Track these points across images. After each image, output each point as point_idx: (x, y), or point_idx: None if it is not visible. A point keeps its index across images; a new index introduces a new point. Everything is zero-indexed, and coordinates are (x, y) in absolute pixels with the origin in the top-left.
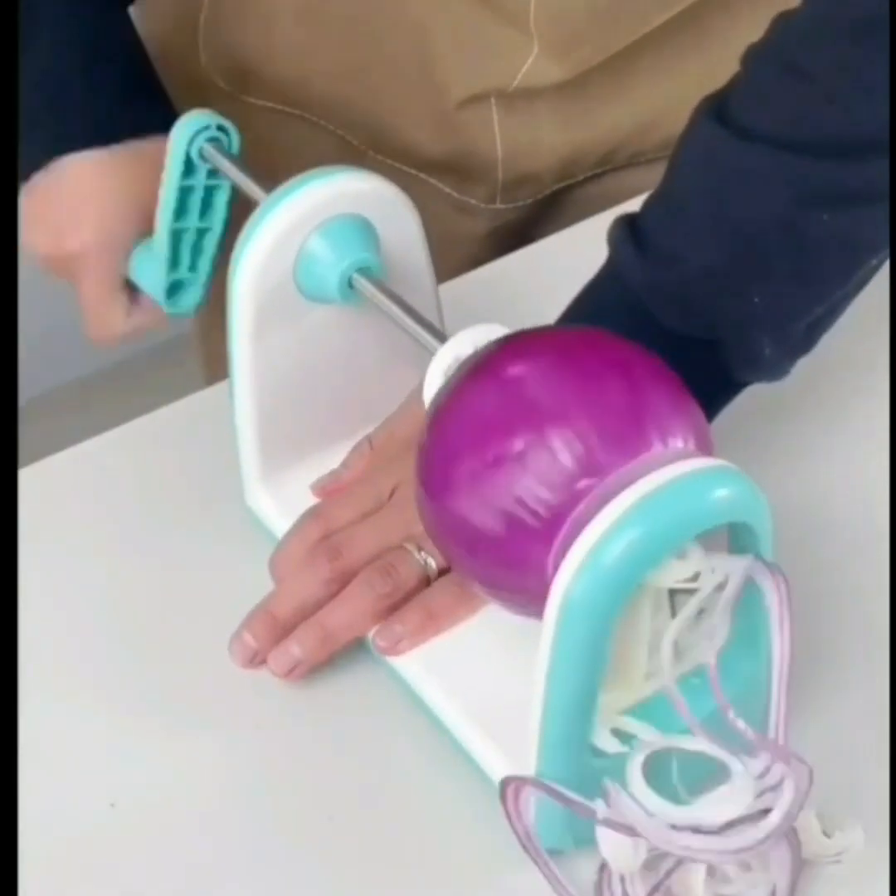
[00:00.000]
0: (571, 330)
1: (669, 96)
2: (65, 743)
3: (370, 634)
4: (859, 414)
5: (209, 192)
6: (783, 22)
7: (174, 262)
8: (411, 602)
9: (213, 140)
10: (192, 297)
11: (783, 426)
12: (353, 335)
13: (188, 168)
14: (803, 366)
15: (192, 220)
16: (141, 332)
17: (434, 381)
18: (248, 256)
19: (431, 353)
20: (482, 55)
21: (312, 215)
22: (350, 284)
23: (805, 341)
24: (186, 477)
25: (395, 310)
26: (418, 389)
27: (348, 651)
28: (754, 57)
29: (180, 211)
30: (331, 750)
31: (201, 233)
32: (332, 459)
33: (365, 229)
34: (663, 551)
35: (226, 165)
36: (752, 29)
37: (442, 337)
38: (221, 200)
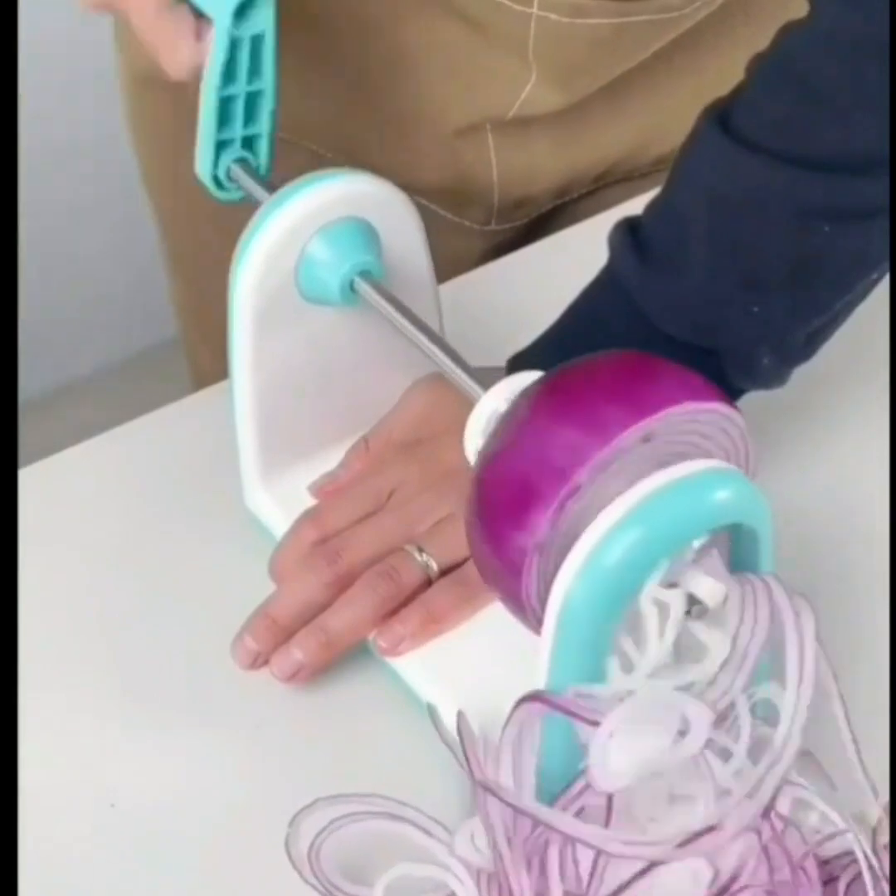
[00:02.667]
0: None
1: (665, 114)
2: (65, 743)
3: (371, 635)
4: (860, 415)
5: (256, 47)
6: (789, 32)
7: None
8: (412, 603)
9: (240, 160)
10: (264, 17)
11: (783, 427)
12: (354, 337)
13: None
14: (803, 367)
15: (242, 85)
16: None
17: (475, 433)
18: (250, 258)
19: (430, 358)
20: (479, 84)
21: (314, 217)
22: (351, 287)
23: (804, 351)
24: (186, 477)
25: (396, 314)
26: (413, 389)
27: (349, 652)
28: (759, 66)
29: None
30: (331, 750)
31: (251, 96)
32: (332, 460)
33: (366, 232)
34: (664, 553)
35: (259, 192)
36: (746, 44)
37: (440, 341)
38: (269, 53)
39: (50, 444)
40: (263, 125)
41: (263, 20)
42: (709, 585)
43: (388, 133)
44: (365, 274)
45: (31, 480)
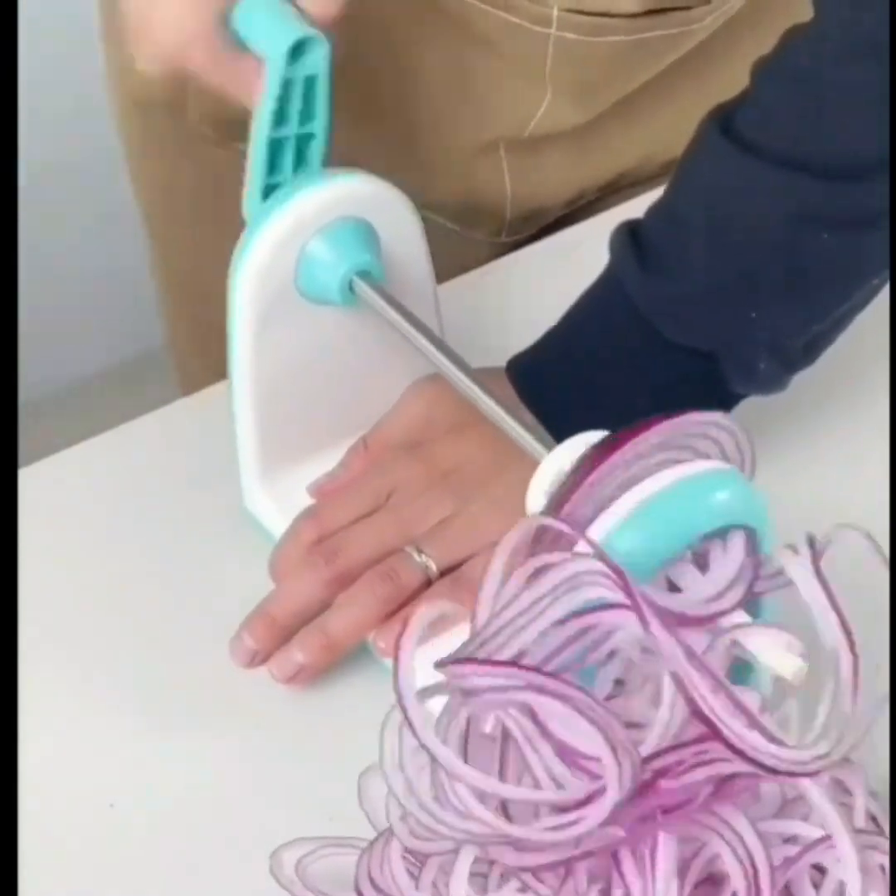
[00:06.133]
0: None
1: (674, 120)
2: (65, 743)
3: (371, 636)
4: (860, 415)
5: (309, 88)
6: (792, 38)
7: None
8: (413, 604)
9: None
10: (318, 58)
11: (784, 429)
12: (354, 337)
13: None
14: (804, 371)
15: (292, 127)
16: None
17: (537, 492)
18: (250, 258)
19: (428, 359)
20: (494, 105)
21: (314, 218)
22: (350, 287)
23: (804, 357)
24: (186, 477)
25: (394, 314)
26: (412, 390)
27: (349, 652)
28: (762, 71)
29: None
30: (331, 750)
31: (302, 139)
32: (331, 461)
33: (366, 232)
34: (664, 554)
35: None
36: (754, 51)
37: (438, 342)
38: (323, 95)
39: (50, 444)
40: (315, 168)
41: (317, 61)
42: (789, 662)
43: (400, 151)
44: (364, 274)
45: (31, 480)
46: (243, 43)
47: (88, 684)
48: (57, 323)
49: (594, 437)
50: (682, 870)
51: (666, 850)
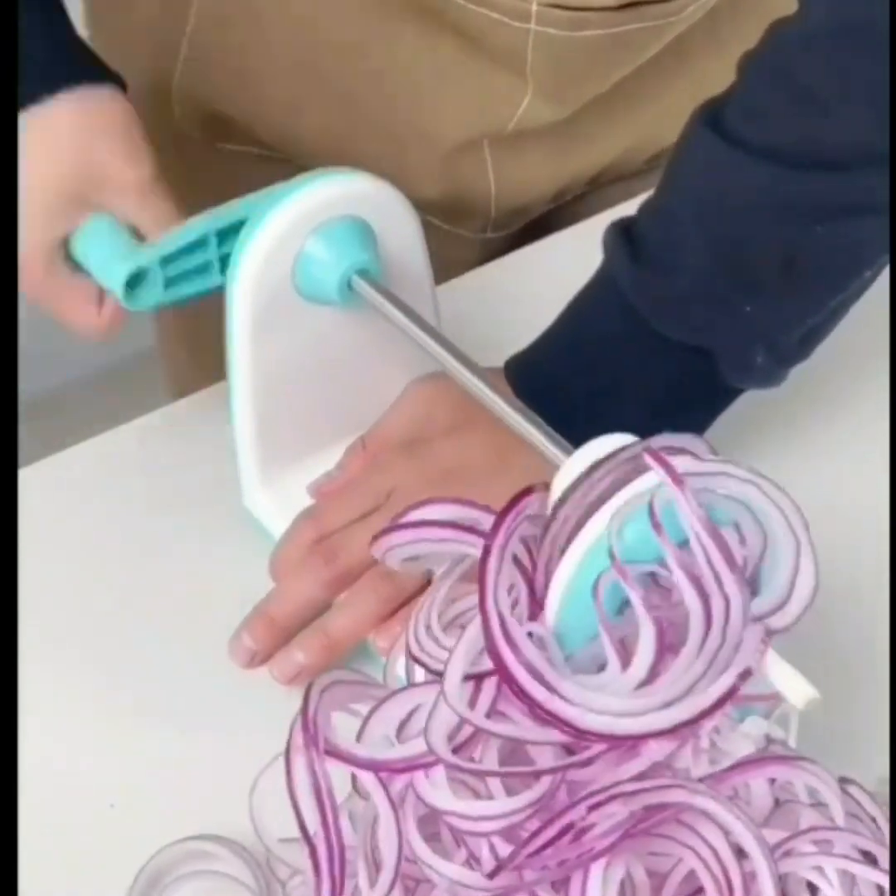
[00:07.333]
0: None
1: (657, 115)
2: (65, 743)
3: (371, 635)
4: (860, 411)
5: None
6: (778, 30)
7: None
8: (413, 604)
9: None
10: (153, 294)
11: (783, 423)
12: (352, 336)
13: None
14: (803, 365)
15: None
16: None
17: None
18: (248, 257)
19: (429, 355)
20: (477, 101)
21: (311, 216)
22: (349, 286)
23: (799, 351)
24: (186, 477)
25: (393, 312)
26: (410, 388)
27: (349, 651)
28: (749, 65)
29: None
30: None
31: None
32: (331, 460)
33: (363, 231)
34: (661, 549)
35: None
36: (734, 42)
37: (440, 338)
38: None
39: (50, 444)
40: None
41: (154, 295)
42: (803, 691)
43: (384, 150)
44: (362, 272)
45: (31, 480)
46: (83, 270)
47: (88, 684)
48: (57, 323)
49: (612, 440)
50: (657, 887)
51: (595, 882)
